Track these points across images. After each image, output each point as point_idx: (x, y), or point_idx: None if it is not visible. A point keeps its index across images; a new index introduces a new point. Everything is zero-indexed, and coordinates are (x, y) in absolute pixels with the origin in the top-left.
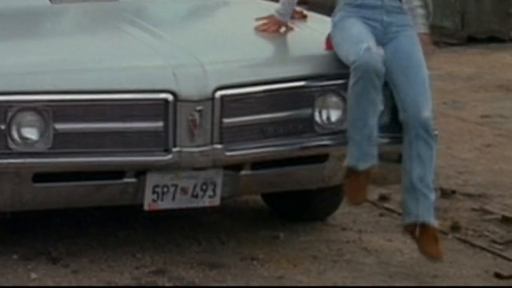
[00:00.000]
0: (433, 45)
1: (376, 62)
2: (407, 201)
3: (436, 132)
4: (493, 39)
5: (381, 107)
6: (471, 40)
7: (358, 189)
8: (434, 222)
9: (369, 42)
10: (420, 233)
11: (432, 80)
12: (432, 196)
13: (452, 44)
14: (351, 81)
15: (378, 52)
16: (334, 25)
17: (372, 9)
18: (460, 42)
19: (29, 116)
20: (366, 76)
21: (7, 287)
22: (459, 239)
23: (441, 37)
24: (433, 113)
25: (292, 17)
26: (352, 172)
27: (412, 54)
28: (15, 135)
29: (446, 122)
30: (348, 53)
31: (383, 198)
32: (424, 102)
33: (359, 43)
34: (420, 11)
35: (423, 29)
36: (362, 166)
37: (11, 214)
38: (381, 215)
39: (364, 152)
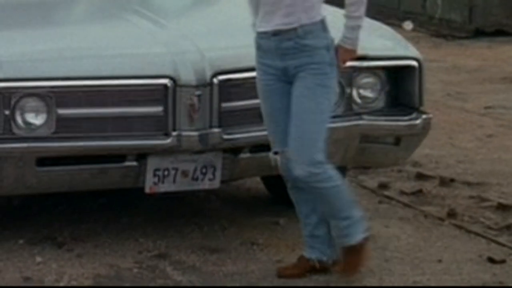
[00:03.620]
0: (438, 39)
1: (289, 173)
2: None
3: (322, 176)
4: (500, 33)
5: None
6: (479, 33)
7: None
8: (354, 240)
9: (277, 144)
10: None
11: (438, 72)
12: (343, 222)
13: (460, 37)
14: None
15: (286, 161)
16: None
17: (267, 52)
18: (468, 35)
19: (33, 102)
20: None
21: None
22: (455, 225)
23: (448, 30)
24: (316, 164)
25: None
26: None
27: (300, 103)
28: (19, 120)
29: (449, 113)
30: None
31: (382, 186)
32: (298, 159)
33: (272, 145)
34: (349, 22)
35: (343, 42)
36: (308, 254)
37: (17, 200)
38: (380, 202)
39: (308, 244)
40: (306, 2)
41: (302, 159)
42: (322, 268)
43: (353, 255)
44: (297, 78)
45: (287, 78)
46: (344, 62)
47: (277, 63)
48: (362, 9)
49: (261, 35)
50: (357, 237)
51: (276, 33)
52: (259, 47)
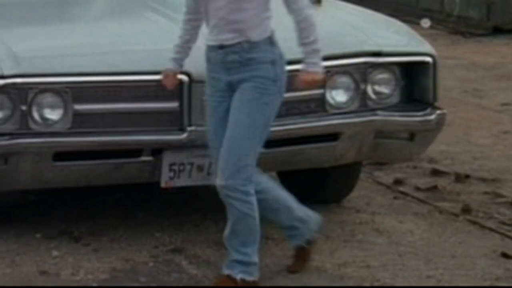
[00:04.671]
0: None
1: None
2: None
3: (244, 188)
4: None
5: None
6: (497, 31)
7: None
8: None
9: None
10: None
11: (455, 69)
12: (237, 255)
13: (478, 35)
14: None
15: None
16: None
17: (215, 66)
18: (485, 32)
19: (49, 98)
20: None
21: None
22: (469, 220)
23: (466, 28)
24: (240, 176)
25: None
26: None
27: (234, 116)
28: (35, 115)
29: (466, 110)
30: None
31: (398, 181)
32: (223, 168)
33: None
34: (306, 48)
35: (306, 66)
36: (294, 242)
37: (34, 195)
38: (395, 198)
39: (287, 234)
40: (254, 19)
41: (225, 171)
42: (314, 248)
43: (230, 282)
44: (238, 90)
45: (231, 93)
46: (307, 84)
47: (223, 77)
48: (316, 33)
49: (209, 49)
50: (239, 275)
51: (222, 47)
52: (208, 60)
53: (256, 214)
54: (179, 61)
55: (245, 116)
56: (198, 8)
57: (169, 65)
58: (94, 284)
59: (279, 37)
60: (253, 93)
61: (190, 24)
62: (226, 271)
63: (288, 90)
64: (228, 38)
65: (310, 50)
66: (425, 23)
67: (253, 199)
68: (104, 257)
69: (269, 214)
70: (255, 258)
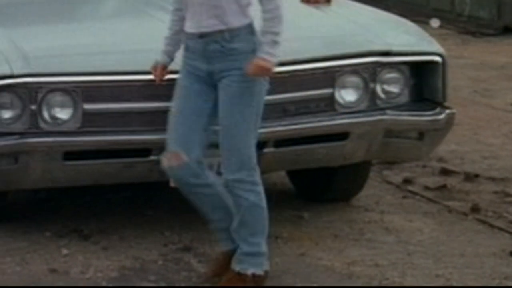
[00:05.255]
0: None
1: (184, 179)
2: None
3: (254, 188)
4: None
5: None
6: (507, 31)
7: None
8: (240, 269)
9: (175, 144)
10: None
11: (465, 69)
12: (247, 248)
13: (488, 34)
14: None
15: (180, 167)
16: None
17: (193, 53)
18: (496, 32)
19: (59, 97)
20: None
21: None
22: (478, 220)
23: (477, 27)
24: (248, 171)
25: (317, 1)
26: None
27: (227, 116)
28: (45, 115)
29: (475, 109)
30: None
31: (407, 181)
32: (228, 165)
33: (167, 146)
34: (266, 37)
35: (259, 53)
36: (226, 246)
37: (44, 194)
38: (404, 197)
39: (221, 237)
40: (234, 4)
41: (230, 166)
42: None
43: (238, 280)
44: (222, 85)
45: (211, 81)
46: (258, 70)
47: (203, 66)
48: (280, 26)
49: (189, 36)
50: (250, 269)
51: (202, 35)
52: (187, 48)
53: (264, 203)
54: (169, 53)
55: (237, 113)
56: None
57: (159, 58)
58: (104, 283)
59: None
60: (239, 87)
61: (178, 14)
62: (237, 268)
63: (297, 89)
64: (208, 24)
65: (270, 40)
66: (435, 23)
67: (261, 189)
68: (113, 255)
69: (211, 210)
70: (264, 248)
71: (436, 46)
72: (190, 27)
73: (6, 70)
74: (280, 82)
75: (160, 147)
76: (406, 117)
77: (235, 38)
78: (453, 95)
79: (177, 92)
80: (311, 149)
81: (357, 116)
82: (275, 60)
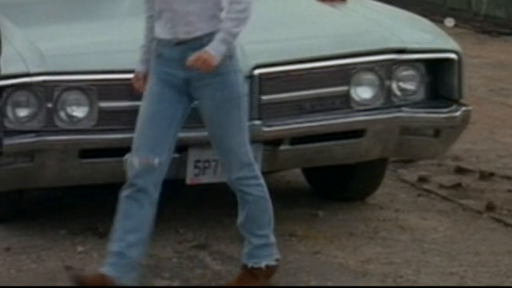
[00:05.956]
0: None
1: (143, 180)
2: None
3: (258, 187)
4: None
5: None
6: None
7: None
8: (253, 264)
9: (144, 150)
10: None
11: (481, 68)
12: (257, 240)
13: (505, 34)
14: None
15: (147, 166)
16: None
17: (169, 61)
18: None
19: (75, 95)
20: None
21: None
22: (493, 218)
23: (493, 27)
24: (251, 169)
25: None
26: None
27: (217, 123)
28: (61, 113)
29: (491, 108)
30: (134, 138)
31: (422, 179)
32: (229, 167)
33: (136, 150)
34: (222, 35)
35: (209, 46)
36: (109, 270)
37: (60, 191)
38: (419, 195)
39: (111, 261)
40: (207, 11)
41: (232, 168)
42: None
43: (253, 277)
44: (205, 95)
45: (186, 89)
46: (200, 62)
47: (180, 73)
48: (241, 28)
49: (162, 43)
50: (263, 261)
51: (180, 42)
52: (160, 55)
53: (268, 194)
54: (148, 62)
55: (227, 120)
56: (153, 3)
57: (138, 68)
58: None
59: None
60: (224, 96)
61: (152, 21)
62: (250, 263)
63: (313, 87)
64: (183, 31)
65: (223, 37)
66: (449, 22)
67: (262, 181)
68: None
69: (129, 230)
70: (273, 238)
71: (452, 44)
72: (163, 34)
73: (22, 69)
74: (296, 80)
75: (177, 145)
76: (422, 114)
77: None
78: (469, 94)
79: (148, 97)
80: (326, 146)
81: (372, 114)
82: (219, 56)
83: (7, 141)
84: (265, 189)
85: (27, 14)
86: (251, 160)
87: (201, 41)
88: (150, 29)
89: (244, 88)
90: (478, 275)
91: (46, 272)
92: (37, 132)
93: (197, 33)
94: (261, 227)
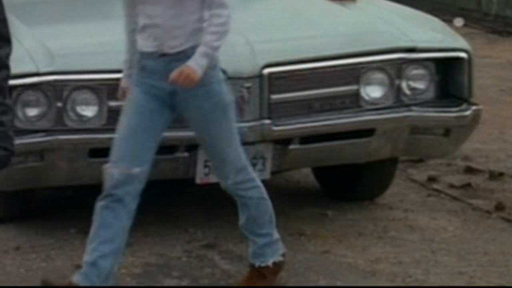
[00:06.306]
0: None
1: (121, 190)
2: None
3: (255, 189)
4: None
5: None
6: None
7: None
8: (260, 263)
9: (125, 160)
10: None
11: (492, 68)
12: (261, 240)
13: None
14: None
15: (126, 176)
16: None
17: (153, 73)
18: None
19: (84, 94)
20: (112, 205)
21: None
22: (502, 218)
23: (504, 27)
24: (244, 173)
25: None
26: None
27: (208, 134)
28: (71, 112)
29: (501, 108)
30: (113, 149)
31: (432, 179)
32: (224, 174)
33: (116, 161)
34: (204, 49)
35: (190, 61)
36: (82, 281)
37: (70, 191)
38: (428, 195)
39: (86, 270)
40: (191, 25)
41: (227, 175)
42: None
43: (261, 276)
44: (192, 107)
45: (171, 101)
46: (183, 78)
47: (164, 85)
48: (222, 41)
49: (146, 56)
50: (270, 259)
51: (164, 54)
52: (143, 68)
53: (266, 194)
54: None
55: (217, 129)
56: (136, 16)
57: (124, 83)
58: (128, 279)
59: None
60: (211, 106)
61: (134, 36)
62: (257, 262)
63: (323, 86)
64: (168, 46)
65: (204, 51)
66: (458, 22)
67: (259, 182)
68: (138, 252)
69: (105, 240)
70: (276, 235)
71: (462, 42)
72: (148, 47)
73: (32, 68)
74: (305, 79)
75: (186, 144)
76: (432, 113)
77: None
78: (480, 94)
79: (129, 108)
80: (336, 145)
81: (382, 113)
82: (201, 72)
83: (17, 141)
84: (263, 189)
85: (36, 13)
86: (245, 163)
87: (185, 53)
88: (132, 44)
89: (229, 96)
90: (487, 275)
91: (56, 271)
92: (47, 131)
93: (182, 47)
94: (263, 227)
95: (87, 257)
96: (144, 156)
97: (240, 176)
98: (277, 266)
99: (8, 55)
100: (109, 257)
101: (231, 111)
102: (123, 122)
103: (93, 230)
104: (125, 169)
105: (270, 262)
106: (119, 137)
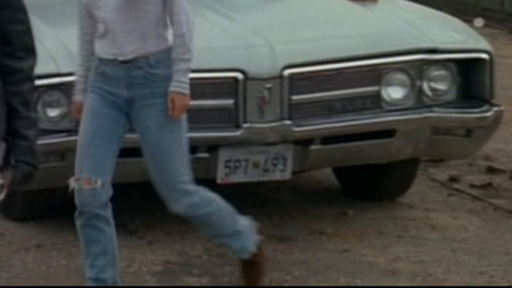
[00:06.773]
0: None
1: (91, 206)
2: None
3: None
4: None
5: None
6: None
7: None
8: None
9: (86, 170)
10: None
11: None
12: (232, 239)
13: None
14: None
15: (92, 192)
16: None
17: (112, 80)
18: None
19: None
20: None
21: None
22: None
23: None
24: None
25: None
26: None
27: (159, 145)
28: None
29: None
30: (76, 159)
31: (453, 179)
32: (175, 199)
33: (80, 171)
34: (179, 66)
35: (177, 87)
36: None
37: None
38: (449, 195)
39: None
40: (149, 29)
41: (179, 200)
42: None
43: (253, 266)
44: (147, 117)
45: (128, 109)
46: (180, 108)
47: (123, 92)
48: (191, 51)
49: (105, 62)
50: (252, 246)
51: (125, 61)
52: (102, 74)
53: (220, 202)
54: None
55: (170, 142)
56: (94, 24)
57: (78, 98)
58: (148, 276)
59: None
60: (166, 118)
61: (88, 49)
62: (244, 255)
63: (344, 87)
64: (131, 50)
65: (183, 68)
66: (478, 22)
67: (207, 194)
68: (158, 250)
69: (96, 255)
70: (242, 221)
71: (483, 43)
72: (107, 53)
73: (53, 69)
74: (326, 80)
75: (205, 145)
76: (453, 114)
77: (160, 63)
78: (501, 94)
79: (87, 116)
80: (357, 146)
81: (403, 114)
82: (188, 89)
83: (39, 141)
84: (215, 198)
85: (58, 14)
86: (191, 187)
87: (147, 60)
88: (86, 58)
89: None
90: (508, 274)
91: (76, 269)
92: (67, 131)
93: (142, 51)
94: (229, 227)
95: (88, 273)
96: (105, 166)
97: (192, 199)
98: (259, 247)
99: (32, 67)
100: (107, 269)
101: (184, 125)
102: (82, 131)
103: (83, 247)
104: (88, 180)
105: (253, 249)
106: (79, 146)
